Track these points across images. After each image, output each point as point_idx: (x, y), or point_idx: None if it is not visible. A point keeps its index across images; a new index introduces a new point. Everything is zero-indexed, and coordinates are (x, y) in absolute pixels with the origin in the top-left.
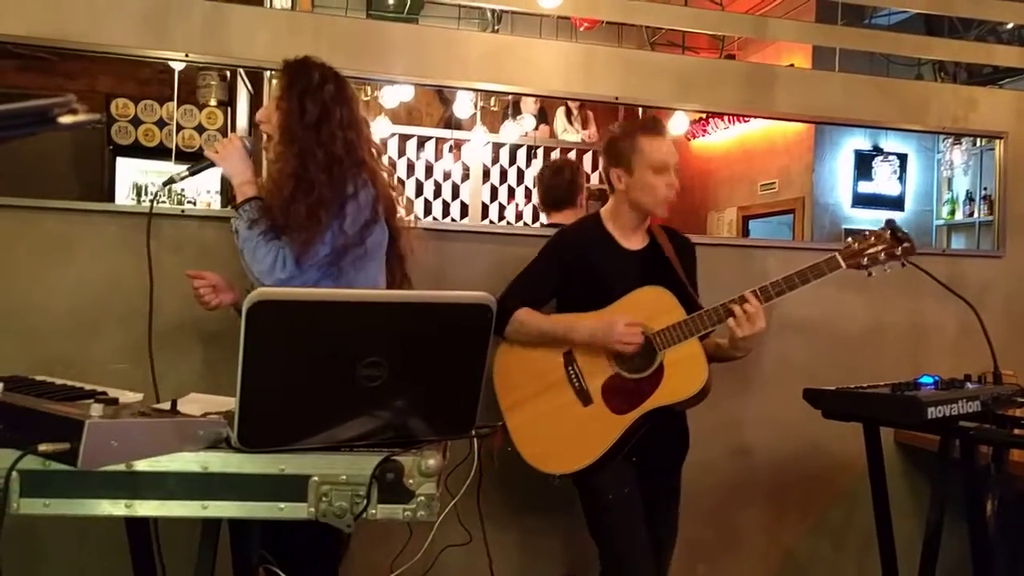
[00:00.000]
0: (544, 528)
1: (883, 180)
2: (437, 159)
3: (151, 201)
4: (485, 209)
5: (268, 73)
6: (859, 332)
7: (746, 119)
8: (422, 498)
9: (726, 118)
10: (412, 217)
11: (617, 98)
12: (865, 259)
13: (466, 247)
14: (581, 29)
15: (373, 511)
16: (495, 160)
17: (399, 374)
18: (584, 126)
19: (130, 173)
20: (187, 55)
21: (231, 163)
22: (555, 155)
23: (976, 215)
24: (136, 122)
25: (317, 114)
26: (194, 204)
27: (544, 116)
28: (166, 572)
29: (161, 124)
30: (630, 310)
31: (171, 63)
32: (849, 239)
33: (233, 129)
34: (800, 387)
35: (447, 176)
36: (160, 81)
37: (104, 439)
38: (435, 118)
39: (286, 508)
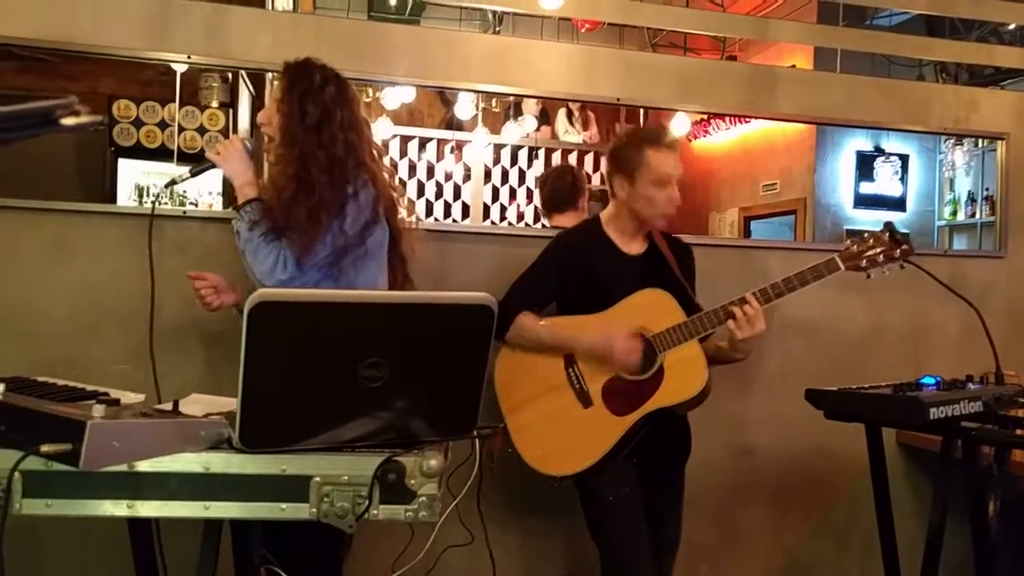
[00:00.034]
0: (545, 529)
1: (885, 181)
2: (438, 160)
3: (153, 202)
4: (486, 210)
5: (270, 74)
6: (861, 333)
7: (747, 120)
8: (424, 499)
9: (727, 119)
10: (414, 218)
11: (619, 99)
12: (864, 261)
13: (467, 248)
14: (582, 30)
15: (375, 512)
16: (496, 161)
17: (400, 375)
18: (585, 127)
19: (132, 174)
20: (189, 57)
21: (232, 165)
22: (556, 156)
23: (978, 216)
24: (138, 124)
25: (318, 116)
26: (196, 205)
27: (545, 117)
28: (168, 573)
29: (163, 125)
30: (630, 313)
31: (173, 65)
32: (847, 241)
33: (235, 130)
34: (802, 388)
35: (448, 177)
36: (162, 83)
37: (106, 440)
38: (436, 119)
39: (288, 509)
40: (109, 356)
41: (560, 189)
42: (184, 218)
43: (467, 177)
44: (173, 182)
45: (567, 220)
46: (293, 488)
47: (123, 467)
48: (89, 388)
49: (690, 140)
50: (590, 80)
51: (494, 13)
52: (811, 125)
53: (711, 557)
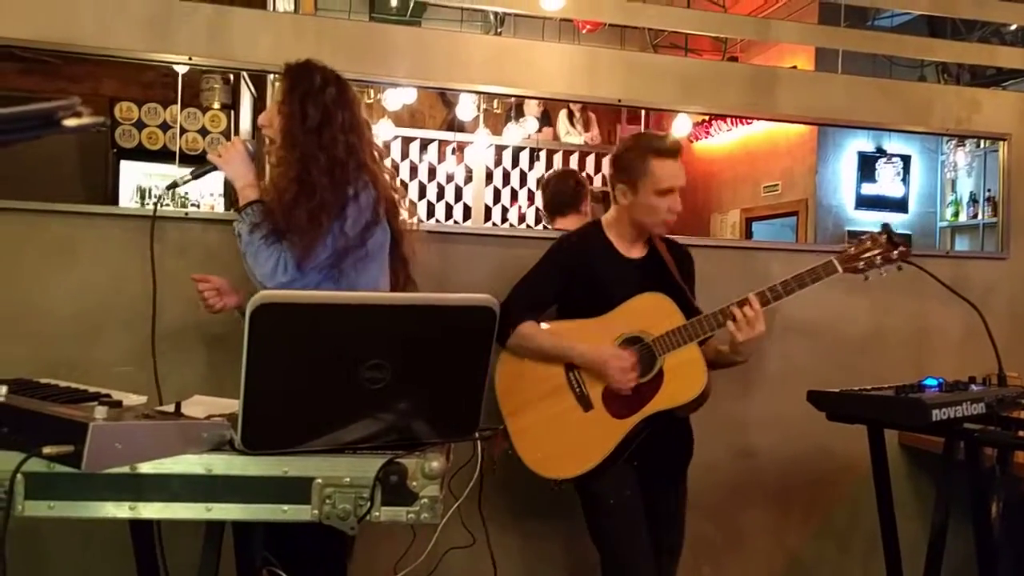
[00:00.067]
0: (546, 532)
1: (886, 182)
2: (440, 161)
3: (155, 204)
4: (488, 211)
5: (271, 76)
6: (863, 334)
7: (749, 121)
8: (425, 500)
9: (729, 120)
10: (415, 220)
11: (620, 100)
12: (861, 263)
13: (469, 249)
14: (584, 31)
15: (376, 513)
16: (498, 162)
17: (402, 376)
18: (586, 128)
19: (134, 176)
20: (190, 58)
21: (233, 167)
22: (558, 157)
23: (980, 217)
24: (140, 125)
25: (319, 118)
26: (198, 207)
27: (547, 118)
28: (169, 575)
29: (165, 127)
30: (630, 316)
31: (175, 66)
32: (845, 244)
33: (236, 132)
34: (804, 389)
35: (450, 178)
36: (164, 84)
37: (108, 441)
38: (438, 120)
39: (289, 510)
40: (111, 358)
41: (562, 192)
42: (186, 220)
43: (468, 178)
44: (175, 184)
45: (569, 223)
46: (295, 490)
47: (125, 469)
48: (91, 390)
49: (691, 141)
50: (591, 81)
51: (495, 14)
52: (813, 126)
53: (713, 558)
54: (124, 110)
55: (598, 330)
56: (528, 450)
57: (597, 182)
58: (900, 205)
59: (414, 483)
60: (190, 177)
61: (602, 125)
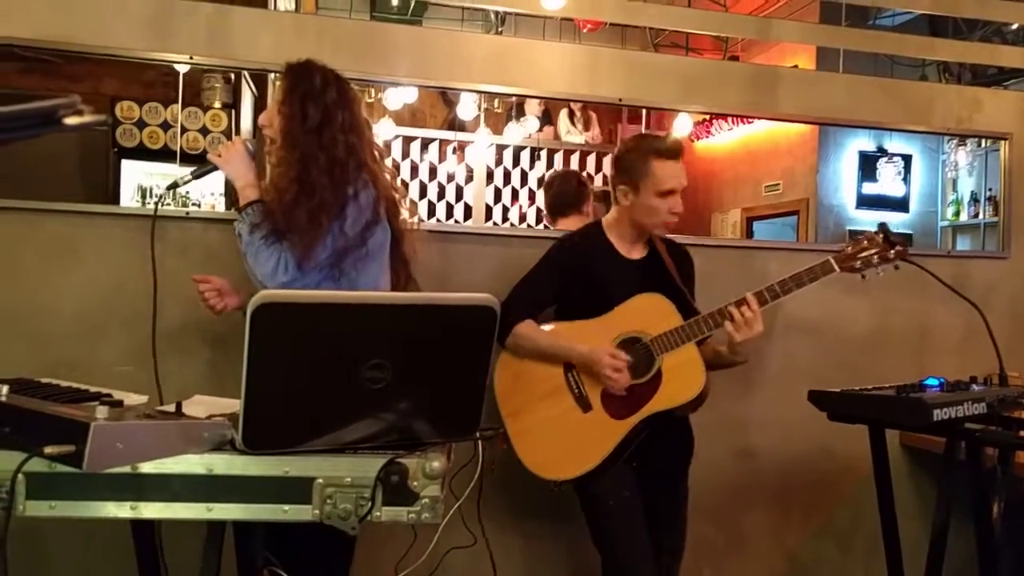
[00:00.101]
0: (547, 533)
1: (887, 181)
2: (441, 161)
3: (156, 204)
4: (489, 211)
5: (272, 75)
6: (864, 334)
7: (750, 120)
8: (426, 500)
9: (730, 119)
10: (416, 219)
11: (621, 100)
12: (858, 262)
13: (470, 249)
14: (584, 31)
15: (377, 513)
16: (499, 162)
17: (403, 376)
18: (587, 128)
19: (135, 175)
20: (191, 57)
21: (234, 167)
22: (559, 157)
23: (981, 216)
24: (141, 124)
25: (319, 118)
26: (199, 206)
27: (548, 118)
28: (168, 574)
29: (165, 126)
30: (628, 317)
31: (175, 66)
32: (844, 243)
33: (237, 131)
34: (805, 389)
35: (451, 178)
36: (164, 84)
37: (109, 441)
38: (439, 120)
39: (290, 510)
40: (112, 357)
41: (565, 193)
42: (187, 219)
43: (469, 178)
44: (175, 185)
45: (571, 224)
46: (296, 490)
47: (126, 469)
48: (92, 390)
49: (692, 140)
50: (592, 80)
51: (496, 13)
52: (814, 125)
53: (714, 559)
54: (125, 109)
55: (596, 331)
56: (527, 451)
57: (598, 181)
58: (901, 204)
59: (415, 483)
60: (190, 177)
61: (603, 124)
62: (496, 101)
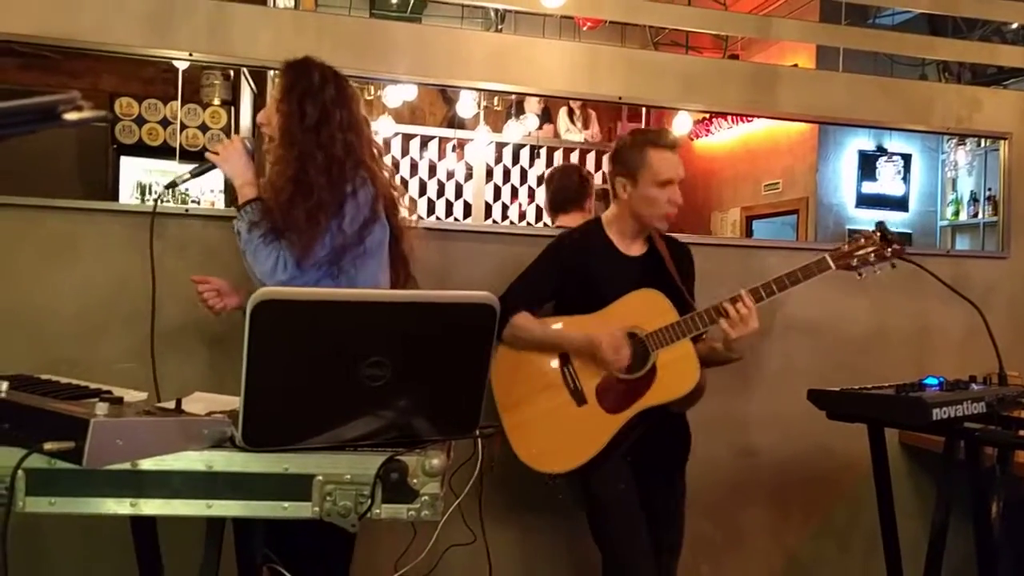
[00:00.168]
0: (547, 529)
1: (887, 180)
2: (440, 159)
3: (155, 202)
4: (488, 209)
5: (271, 72)
6: (864, 333)
7: (750, 119)
8: (426, 498)
9: (730, 118)
10: (415, 217)
11: (620, 98)
12: (854, 260)
13: (469, 247)
14: (584, 29)
15: (377, 511)
16: (498, 160)
17: (402, 374)
18: (586, 126)
19: (134, 172)
20: (191, 54)
21: (232, 165)
22: (558, 155)
23: (980, 216)
24: (140, 121)
25: (317, 117)
26: (198, 203)
27: (548, 116)
28: (166, 571)
29: (165, 123)
30: (624, 313)
31: (175, 62)
32: (841, 241)
33: (237, 128)
34: (804, 388)
35: (450, 176)
36: (164, 80)
37: (109, 438)
38: (438, 117)
39: (290, 507)
40: (112, 354)
41: (566, 189)
42: (186, 216)
43: (469, 176)
44: (174, 184)
45: (572, 221)
46: (296, 487)
47: (126, 465)
48: (92, 386)
49: (692, 139)
50: (592, 78)
51: (496, 11)
52: (813, 124)
53: (713, 557)
54: (124, 106)
55: (593, 325)
56: (522, 445)
57: (597, 180)
58: (901, 204)
59: (415, 480)
60: (189, 176)
61: (602, 122)
62: (496, 99)
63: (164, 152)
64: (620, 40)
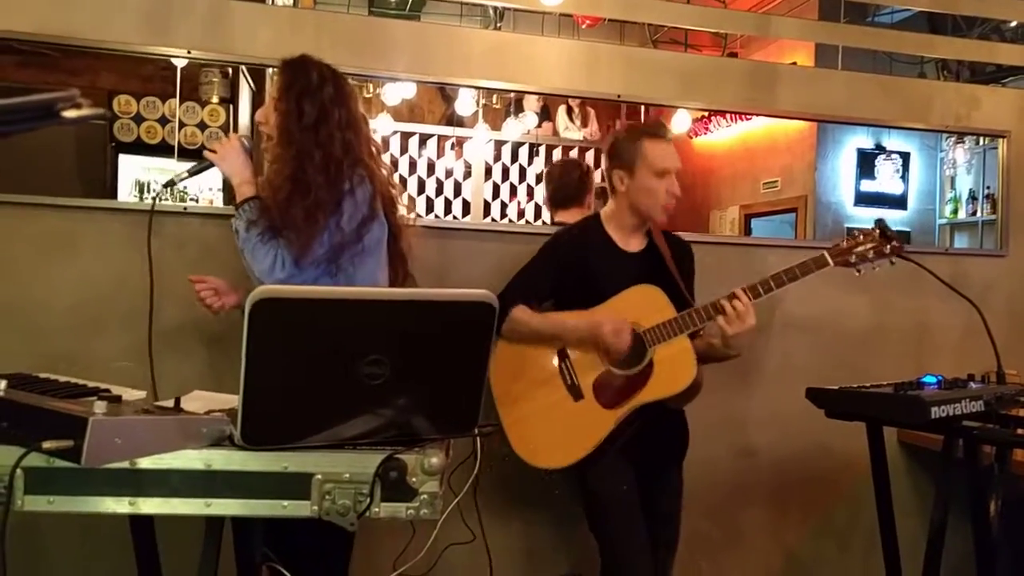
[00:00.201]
0: (546, 528)
1: (886, 179)
2: (439, 156)
3: (152, 200)
4: (487, 207)
5: (270, 70)
6: (862, 331)
7: (748, 117)
8: (425, 496)
9: (728, 116)
10: (413, 215)
11: (619, 96)
12: (853, 257)
13: (468, 245)
14: (583, 26)
15: (376, 509)
16: (497, 158)
17: (401, 372)
18: (584, 124)
19: (132, 170)
20: (189, 52)
21: (230, 163)
22: (557, 153)
23: (979, 214)
24: (138, 119)
25: (315, 116)
26: (196, 201)
27: (547, 113)
28: (164, 570)
29: (163, 121)
30: (622, 308)
31: (173, 60)
32: (839, 238)
33: (235, 126)
34: (803, 386)
35: (449, 174)
36: (162, 78)
37: (108, 436)
38: (437, 115)
39: (289, 506)
40: (111, 352)
41: (567, 185)
42: (185, 214)
43: (467, 174)
44: (172, 182)
45: (572, 217)
46: (295, 485)
47: (125, 464)
48: (91, 384)
49: (691, 137)
50: (591, 76)
51: (495, 9)
52: (812, 122)
53: (711, 556)
54: (122, 104)
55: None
56: (519, 440)
57: (596, 178)
58: (899, 202)
59: (414, 479)
60: (187, 175)
61: (601, 120)
62: (494, 97)
63: (162, 150)
64: (619, 38)
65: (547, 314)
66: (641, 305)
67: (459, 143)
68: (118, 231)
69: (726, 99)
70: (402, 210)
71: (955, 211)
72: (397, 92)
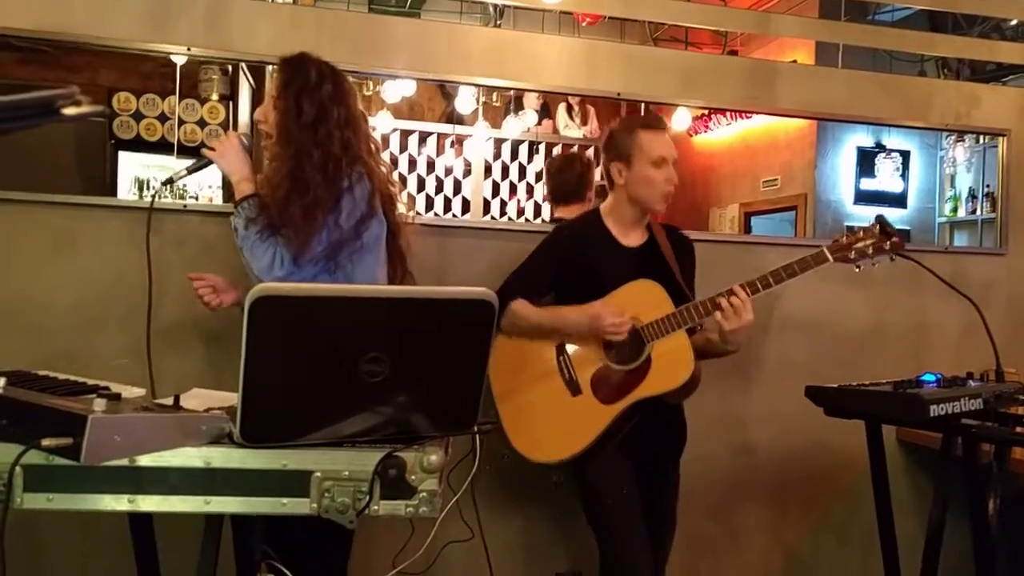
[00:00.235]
0: (545, 526)
1: (886, 177)
2: (439, 154)
3: (152, 197)
4: (487, 205)
5: (270, 67)
6: (862, 330)
7: (748, 115)
8: (424, 494)
9: (728, 114)
10: (412, 213)
11: (619, 94)
12: (852, 253)
13: (467, 243)
14: (583, 24)
15: (375, 507)
16: (497, 156)
17: (401, 370)
18: (584, 122)
19: (132, 167)
20: (189, 49)
21: (229, 161)
22: (557, 150)
23: (979, 212)
24: (138, 116)
25: (314, 114)
26: (196, 199)
27: (546, 111)
28: (163, 568)
29: (163, 118)
30: (620, 303)
31: (173, 57)
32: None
33: (235, 123)
34: (802, 384)
35: (448, 171)
36: (162, 75)
37: (107, 434)
38: (437, 113)
39: (288, 504)
40: (110, 350)
41: (568, 181)
42: (184, 212)
43: (467, 172)
44: (171, 180)
45: (572, 214)
46: (294, 483)
47: (124, 461)
48: (90, 382)
49: (691, 135)
50: (591, 74)
51: (495, 6)
52: (812, 121)
53: (711, 554)
54: (122, 101)
55: None
56: (516, 433)
57: (596, 176)
58: (899, 200)
59: (413, 477)
60: (186, 172)
61: (601, 118)
62: (494, 94)
63: (162, 147)
64: (619, 36)
65: (547, 308)
66: (640, 300)
67: (459, 141)
68: (117, 228)
69: (726, 97)
70: (401, 208)
71: (955, 209)
72: (397, 89)
